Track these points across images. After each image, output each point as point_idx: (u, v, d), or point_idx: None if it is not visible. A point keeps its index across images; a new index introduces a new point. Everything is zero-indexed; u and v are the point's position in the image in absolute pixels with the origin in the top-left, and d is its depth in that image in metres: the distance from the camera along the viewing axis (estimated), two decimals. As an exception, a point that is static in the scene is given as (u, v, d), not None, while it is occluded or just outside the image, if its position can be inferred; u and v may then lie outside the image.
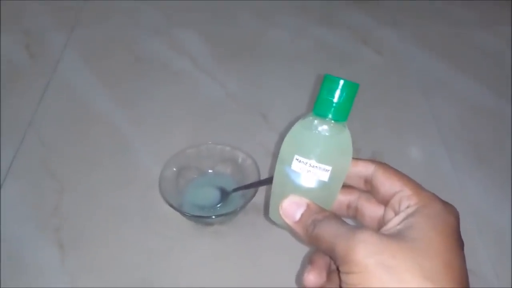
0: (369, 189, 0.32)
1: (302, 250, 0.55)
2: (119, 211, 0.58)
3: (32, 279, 0.52)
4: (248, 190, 0.54)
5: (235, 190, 0.56)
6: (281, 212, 0.31)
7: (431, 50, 0.84)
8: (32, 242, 0.55)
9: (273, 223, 0.33)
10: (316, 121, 0.30)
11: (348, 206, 0.33)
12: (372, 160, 0.31)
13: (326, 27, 0.89)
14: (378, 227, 0.31)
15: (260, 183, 0.54)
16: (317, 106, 0.30)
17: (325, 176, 0.30)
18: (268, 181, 0.52)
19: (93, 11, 0.92)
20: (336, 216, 0.29)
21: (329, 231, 0.28)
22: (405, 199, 0.29)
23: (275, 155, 0.64)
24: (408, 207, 0.28)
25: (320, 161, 0.29)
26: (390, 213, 0.30)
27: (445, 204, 0.28)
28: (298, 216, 0.30)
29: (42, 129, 0.68)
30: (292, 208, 0.30)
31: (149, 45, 0.84)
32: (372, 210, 0.32)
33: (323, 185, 0.30)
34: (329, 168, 0.29)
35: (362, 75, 0.78)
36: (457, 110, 0.74)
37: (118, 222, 0.57)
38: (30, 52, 0.81)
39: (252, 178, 0.55)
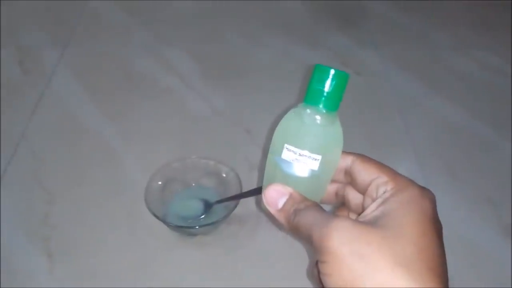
0: (349, 181, 0.32)
1: (284, 260, 0.57)
2: (107, 221, 0.60)
3: (20, 287, 0.53)
4: (231, 202, 0.56)
5: (218, 202, 0.58)
6: (264, 201, 0.30)
7: (408, 71, 0.88)
8: (21, 250, 0.56)
9: (265, 213, 0.33)
10: (306, 110, 0.30)
11: (336, 194, 0.34)
12: (351, 152, 0.32)
13: (309, 48, 0.93)
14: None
15: (242, 195, 0.56)
16: (308, 96, 0.30)
17: (314, 165, 0.29)
18: (250, 193, 0.54)
19: (86, 29, 0.94)
20: (317, 205, 0.29)
21: (307, 220, 0.27)
22: (382, 185, 0.29)
23: (259, 169, 0.67)
24: (384, 192, 0.28)
25: (310, 150, 0.29)
26: (369, 201, 0.30)
27: (421, 188, 0.28)
28: (280, 204, 0.30)
29: (34, 142, 0.70)
30: (274, 196, 0.30)
31: (139, 62, 0.87)
32: (356, 197, 0.32)
33: (313, 174, 0.30)
34: (319, 157, 0.29)
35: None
36: (431, 128, 0.77)
37: (105, 232, 0.59)
38: (23, 68, 0.84)
39: (235, 191, 0.58)
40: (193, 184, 0.62)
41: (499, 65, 0.92)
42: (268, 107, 0.79)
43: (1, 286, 0.53)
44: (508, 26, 1.02)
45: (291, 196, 0.30)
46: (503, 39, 0.98)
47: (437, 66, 0.91)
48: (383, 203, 0.28)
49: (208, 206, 0.59)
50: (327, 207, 0.31)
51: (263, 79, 0.85)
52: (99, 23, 0.97)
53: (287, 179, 0.30)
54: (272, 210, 0.30)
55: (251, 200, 0.60)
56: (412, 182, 0.29)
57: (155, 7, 1.02)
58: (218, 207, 0.58)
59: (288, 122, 0.31)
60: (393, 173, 0.29)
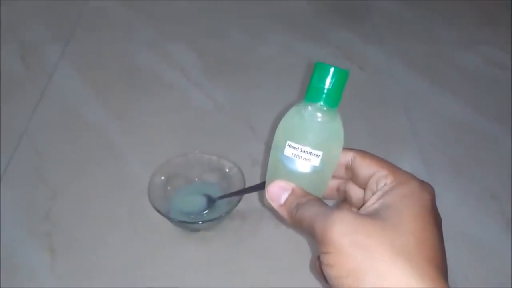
0: (350, 176, 0.33)
1: (286, 255, 0.57)
2: (109, 217, 0.60)
3: (22, 282, 0.53)
4: (233, 198, 0.56)
5: (221, 197, 0.58)
6: (267, 196, 0.31)
7: (412, 67, 0.88)
8: (23, 246, 0.57)
9: (268, 209, 0.33)
10: (308, 108, 0.31)
11: (338, 189, 0.34)
12: (351, 148, 0.32)
13: (313, 44, 0.92)
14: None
15: (245, 190, 0.56)
16: (309, 93, 0.30)
17: (316, 161, 0.30)
18: (253, 188, 0.54)
19: (87, 25, 0.94)
20: (318, 200, 0.29)
21: (309, 213, 0.28)
22: (382, 178, 0.29)
23: (262, 164, 0.67)
24: (384, 185, 0.29)
25: (311, 146, 0.30)
26: (369, 194, 0.30)
27: (421, 182, 0.29)
28: (283, 199, 0.30)
29: (36, 137, 0.70)
30: (277, 192, 0.31)
31: (142, 58, 0.87)
32: (357, 192, 0.33)
33: (314, 170, 0.30)
34: (320, 153, 0.30)
35: (345, 89, 0.80)
36: (435, 123, 0.77)
37: (107, 227, 0.59)
38: (26, 63, 0.83)
39: (238, 187, 0.58)
40: (196, 180, 0.61)
41: (503, 60, 0.91)
42: (271, 103, 0.78)
43: (3, 282, 0.53)
44: (513, 21, 1.01)
45: (293, 191, 0.30)
46: (507, 34, 0.98)
47: (441, 61, 0.90)
48: (383, 196, 0.28)
49: (211, 201, 0.59)
50: (330, 203, 0.31)
51: (266, 75, 0.85)
52: (101, 18, 0.96)
53: (290, 175, 0.31)
54: (274, 205, 0.31)
55: (253, 195, 0.60)
56: (411, 175, 0.29)
57: (157, 2, 1.02)
58: (221, 202, 0.58)
59: (290, 119, 0.32)
60: (393, 167, 0.30)
